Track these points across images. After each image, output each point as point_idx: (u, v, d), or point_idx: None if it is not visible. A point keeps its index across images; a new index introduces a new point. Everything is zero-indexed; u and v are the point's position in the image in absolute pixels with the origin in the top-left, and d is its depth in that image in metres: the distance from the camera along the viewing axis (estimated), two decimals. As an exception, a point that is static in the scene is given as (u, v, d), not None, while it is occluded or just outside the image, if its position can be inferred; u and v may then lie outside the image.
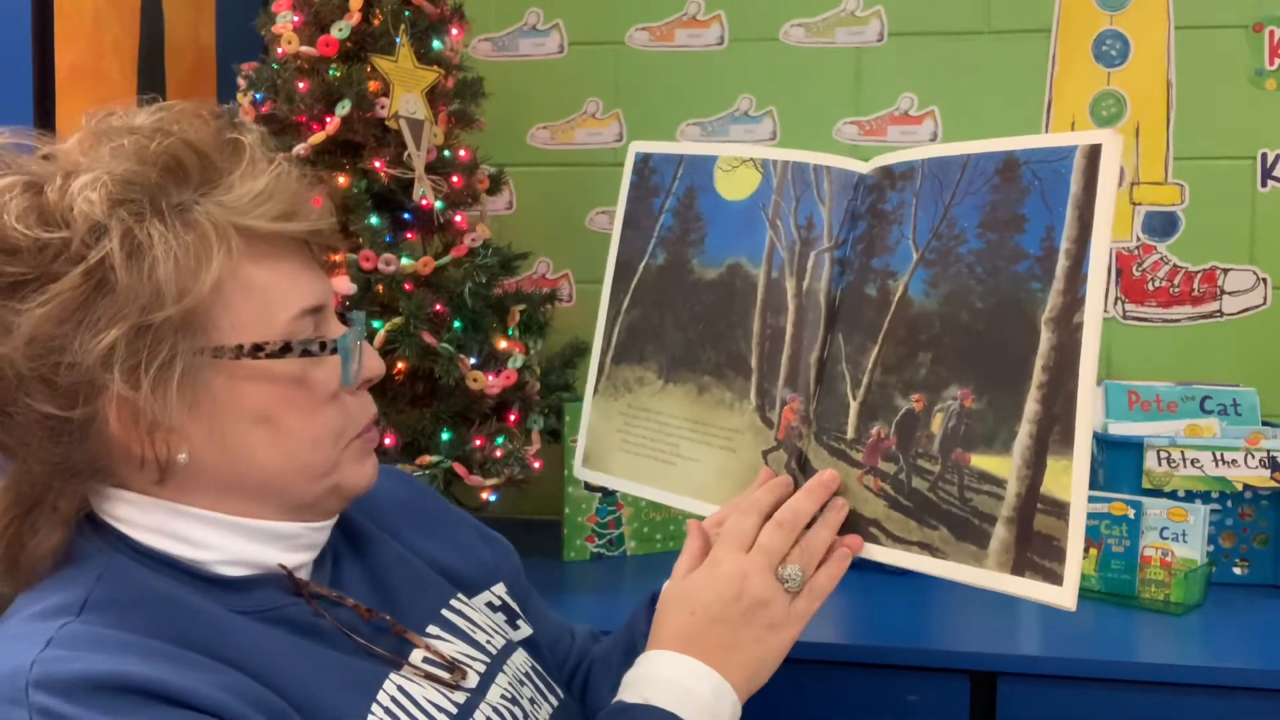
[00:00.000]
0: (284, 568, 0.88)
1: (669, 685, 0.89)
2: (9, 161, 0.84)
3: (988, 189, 0.94)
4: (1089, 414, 0.87)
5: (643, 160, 1.17)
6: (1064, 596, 0.87)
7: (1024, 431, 0.90)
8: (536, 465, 1.75)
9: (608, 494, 1.83)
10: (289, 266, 0.88)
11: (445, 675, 0.92)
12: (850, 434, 0.98)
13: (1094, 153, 0.89)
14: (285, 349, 0.85)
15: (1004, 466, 0.90)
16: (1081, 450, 0.87)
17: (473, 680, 0.93)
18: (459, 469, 1.66)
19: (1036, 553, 0.88)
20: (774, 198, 1.07)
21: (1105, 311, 1.98)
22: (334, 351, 0.88)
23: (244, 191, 0.85)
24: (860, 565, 1.67)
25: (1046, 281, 0.90)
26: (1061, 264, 0.90)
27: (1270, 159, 1.94)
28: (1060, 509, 0.87)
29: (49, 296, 0.79)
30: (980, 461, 0.92)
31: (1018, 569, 0.89)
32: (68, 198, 0.80)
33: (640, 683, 0.90)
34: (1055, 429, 0.88)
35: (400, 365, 1.66)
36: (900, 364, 0.96)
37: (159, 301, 0.80)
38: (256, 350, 0.84)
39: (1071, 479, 0.87)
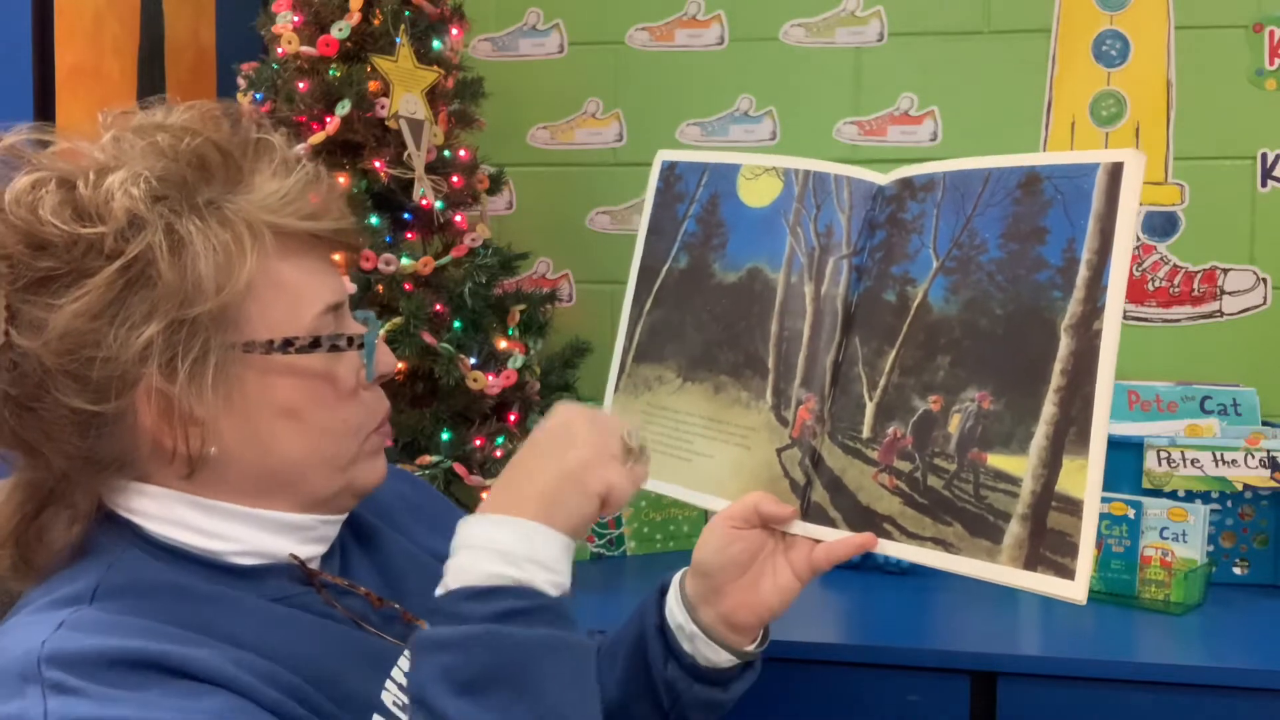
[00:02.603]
0: (295, 558, 0.89)
1: (465, 552, 0.82)
2: (32, 158, 0.84)
3: (1009, 201, 0.97)
4: (1106, 416, 0.90)
5: (668, 168, 1.19)
6: (1075, 590, 0.89)
7: (1040, 432, 0.92)
8: (537, 465, 1.75)
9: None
10: (313, 264, 0.89)
11: None
12: (866, 433, 1.00)
13: (1116, 170, 0.92)
14: (314, 344, 0.86)
15: (1020, 466, 0.92)
16: (1097, 450, 0.90)
17: None
18: (459, 469, 1.66)
19: (1049, 548, 0.90)
20: (795, 205, 1.09)
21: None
22: (360, 347, 0.89)
23: (271, 190, 0.86)
24: (862, 565, 1.68)
25: (1067, 290, 0.93)
26: (1082, 274, 0.92)
27: (1270, 159, 1.94)
28: (1074, 506, 0.90)
29: (83, 292, 0.79)
30: (996, 460, 0.94)
31: (1030, 564, 0.91)
32: (104, 193, 0.80)
33: (444, 571, 0.83)
34: (1072, 430, 0.91)
35: (400, 365, 1.66)
36: (918, 366, 0.98)
37: (198, 296, 0.80)
38: (287, 345, 0.85)
39: (1086, 478, 0.89)
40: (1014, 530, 0.92)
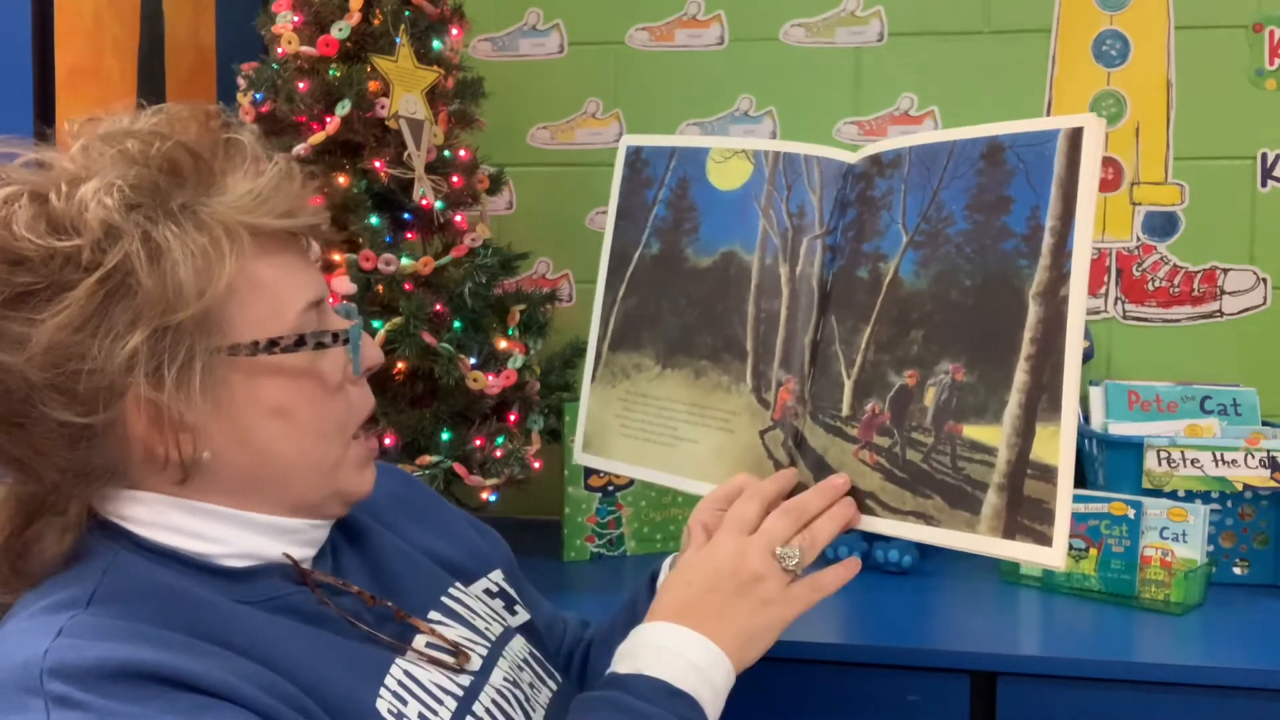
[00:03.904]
0: (288, 556, 0.89)
1: (658, 650, 0.90)
2: (0, 172, 0.84)
3: (973, 173, 0.98)
4: (1075, 382, 0.91)
5: (634, 153, 1.20)
6: (1053, 557, 0.90)
7: (1013, 401, 0.93)
8: (536, 465, 1.75)
9: (608, 494, 1.83)
10: (290, 262, 0.89)
11: (449, 659, 0.92)
12: (845, 411, 1.01)
13: (1076, 135, 0.93)
14: (299, 342, 0.86)
15: (994, 435, 0.93)
16: (1069, 416, 0.90)
17: (475, 664, 0.94)
18: (459, 469, 1.66)
19: (1027, 516, 0.91)
20: (766, 187, 1.10)
21: (1105, 311, 1.99)
22: (345, 342, 0.89)
23: (245, 190, 0.86)
24: (861, 565, 1.68)
25: (1033, 259, 0.94)
26: (1047, 241, 0.93)
27: (1270, 159, 1.94)
28: (1049, 473, 0.91)
29: (63, 305, 0.78)
30: (972, 432, 0.95)
31: (1009, 533, 0.92)
32: (77, 204, 0.80)
33: (632, 653, 0.91)
34: (1043, 397, 0.92)
35: (400, 365, 1.66)
36: (893, 342, 0.99)
37: (180, 302, 0.80)
38: (272, 345, 0.85)
39: (1059, 444, 0.90)
40: (991, 500, 0.93)
